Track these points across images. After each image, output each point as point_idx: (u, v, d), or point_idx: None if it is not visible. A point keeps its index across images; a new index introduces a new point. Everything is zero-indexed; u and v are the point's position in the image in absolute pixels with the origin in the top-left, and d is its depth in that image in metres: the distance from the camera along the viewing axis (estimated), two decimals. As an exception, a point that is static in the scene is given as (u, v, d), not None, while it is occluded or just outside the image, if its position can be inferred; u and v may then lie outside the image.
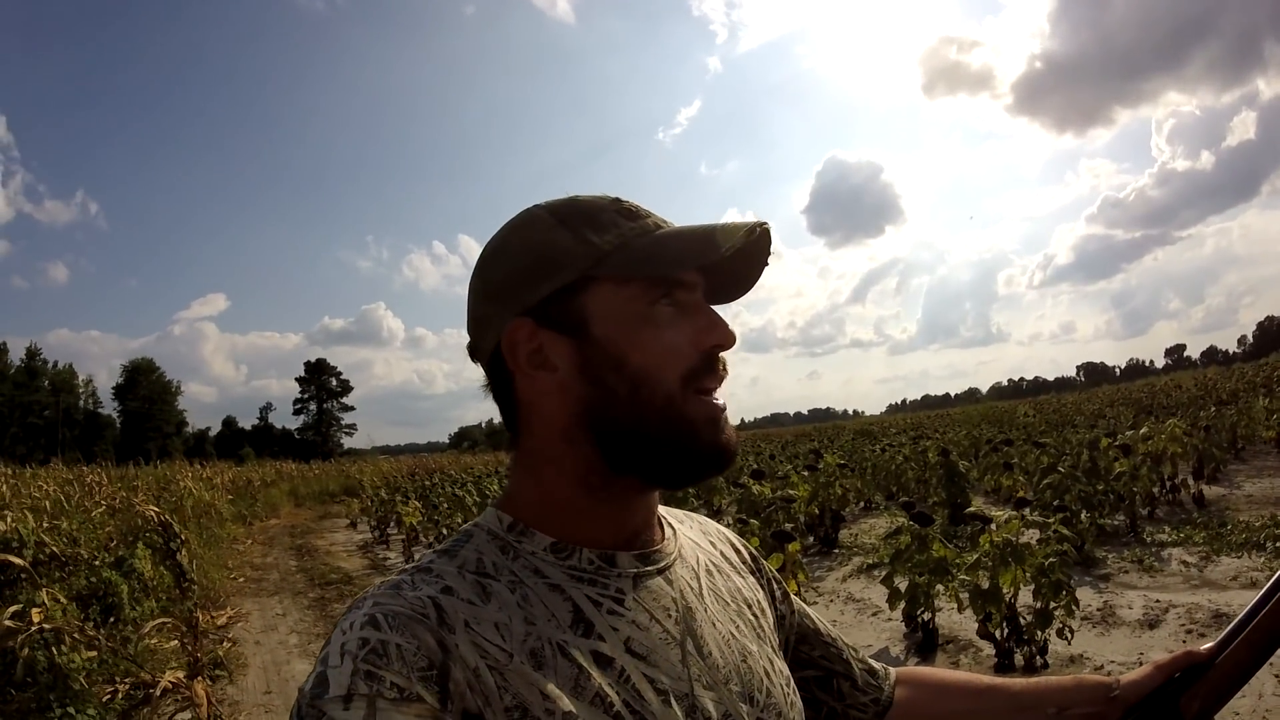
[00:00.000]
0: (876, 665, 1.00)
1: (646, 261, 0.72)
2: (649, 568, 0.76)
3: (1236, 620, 0.88)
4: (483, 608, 0.67)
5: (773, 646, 0.85)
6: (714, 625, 0.78)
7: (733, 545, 0.94)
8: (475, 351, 0.79)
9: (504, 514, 0.76)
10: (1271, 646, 0.86)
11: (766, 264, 0.80)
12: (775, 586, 0.95)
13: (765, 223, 0.74)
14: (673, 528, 0.85)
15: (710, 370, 0.74)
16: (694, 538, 0.88)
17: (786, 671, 0.84)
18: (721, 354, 0.76)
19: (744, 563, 0.93)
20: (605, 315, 0.72)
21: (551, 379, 0.73)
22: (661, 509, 0.84)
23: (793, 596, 0.98)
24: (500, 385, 0.77)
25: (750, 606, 0.86)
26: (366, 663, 0.59)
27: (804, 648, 0.96)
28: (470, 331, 0.79)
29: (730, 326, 0.76)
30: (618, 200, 0.77)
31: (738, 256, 0.75)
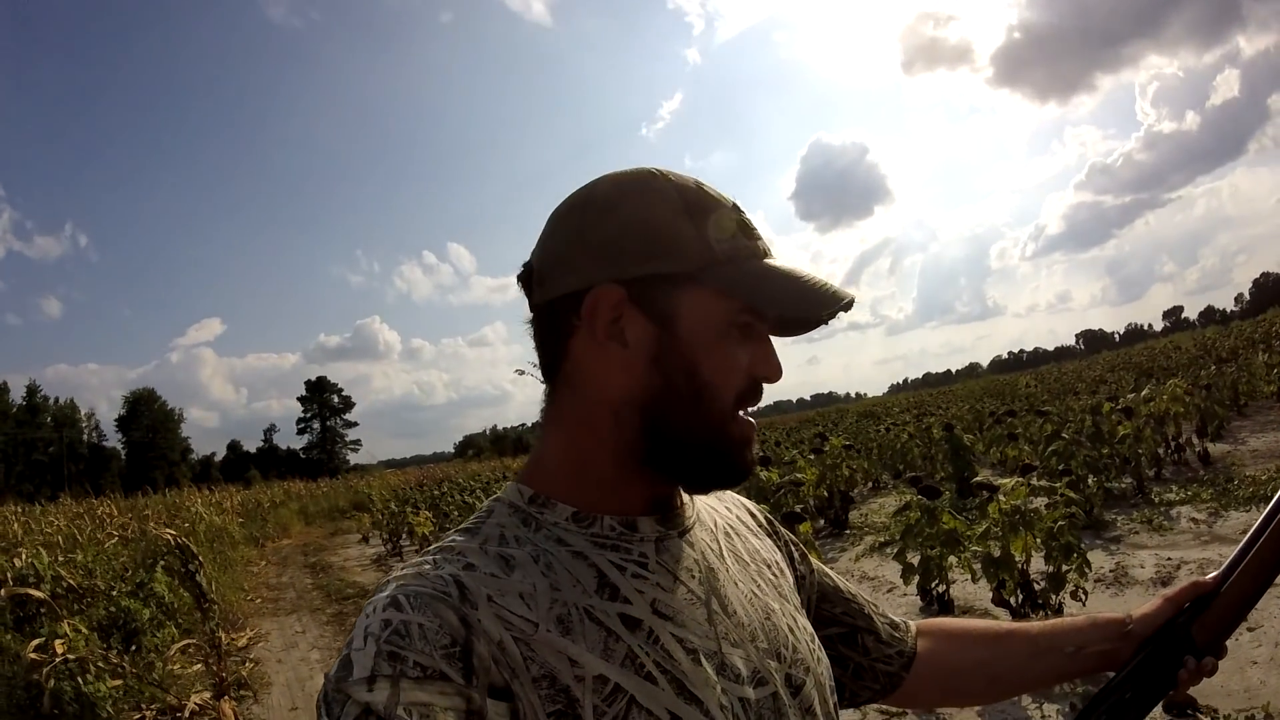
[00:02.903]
0: (898, 619, 1.01)
1: (753, 289, 0.73)
2: (670, 530, 0.77)
3: (1238, 548, 0.91)
4: (506, 580, 0.68)
5: (795, 605, 0.86)
6: (736, 584, 0.79)
7: (748, 510, 0.95)
8: (540, 284, 0.76)
9: (525, 487, 0.76)
10: (1273, 573, 0.89)
11: (829, 320, 0.78)
12: (793, 549, 0.96)
13: (853, 296, 0.75)
14: (690, 495, 0.85)
15: (755, 396, 0.76)
16: (710, 503, 0.89)
17: (811, 629, 0.85)
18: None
19: (760, 526, 0.94)
20: (694, 318, 0.72)
21: (621, 355, 0.73)
22: None
23: (810, 557, 0.99)
24: (553, 330, 0.76)
25: (769, 567, 0.87)
26: (389, 644, 0.60)
27: (825, 605, 0.96)
28: (544, 263, 0.76)
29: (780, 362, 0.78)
30: (737, 208, 0.77)
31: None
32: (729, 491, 0.96)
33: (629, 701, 0.64)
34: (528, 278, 0.78)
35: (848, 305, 0.74)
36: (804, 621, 0.85)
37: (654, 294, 0.72)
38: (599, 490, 0.75)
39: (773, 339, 0.79)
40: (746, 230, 0.76)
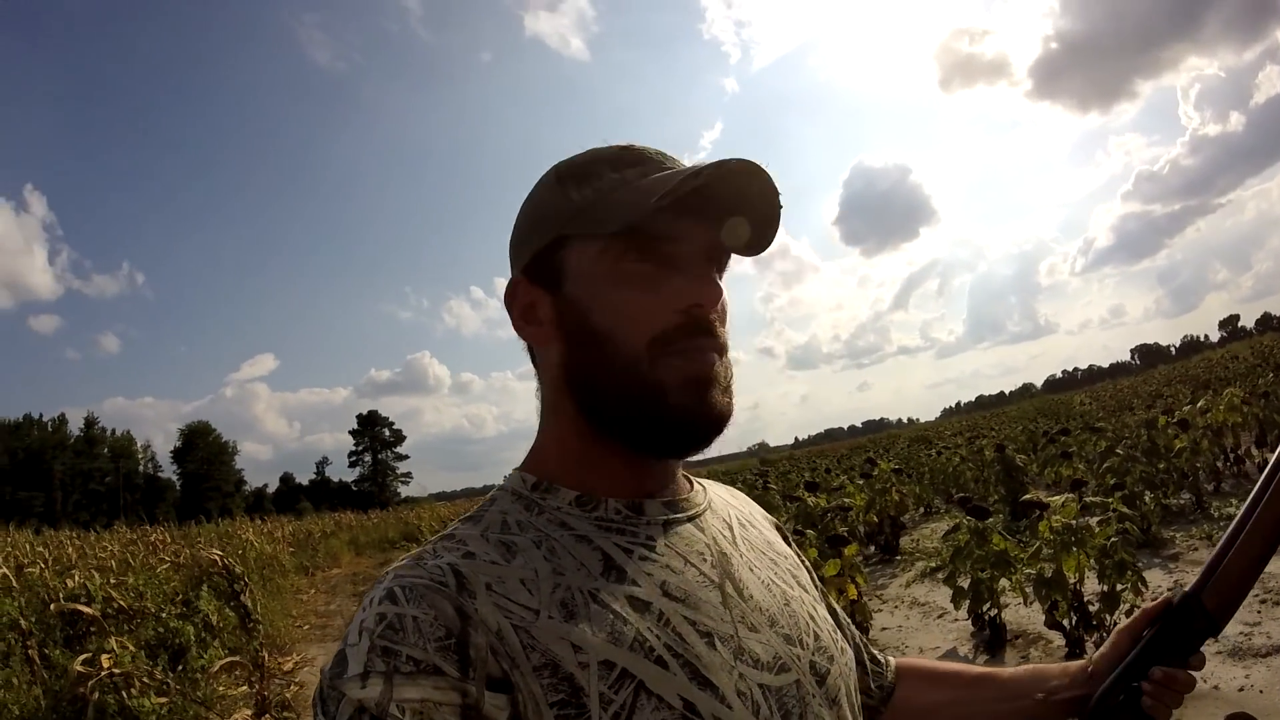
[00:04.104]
0: (879, 653, 0.99)
1: (606, 219, 0.70)
2: (678, 514, 0.75)
3: (1242, 510, 0.89)
4: (506, 566, 0.65)
5: (815, 596, 0.83)
6: (751, 570, 0.76)
7: (759, 511, 0.93)
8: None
9: (527, 474, 0.75)
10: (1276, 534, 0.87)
11: (778, 210, 0.74)
12: (803, 561, 0.92)
13: (745, 159, 0.68)
14: (702, 485, 0.84)
15: (693, 332, 0.70)
16: (724, 496, 0.88)
17: (832, 621, 0.83)
18: (713, 314, 0.72)
19: (774, 528, 0.93)
20: (577, 273, 0.72)
21: (541, 334, 0.75)
22: (689, 474, 0.84)
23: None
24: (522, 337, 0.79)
25: (786, 558, 0.85)
26: (383, 638, 0.58)
27: None
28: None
29: (718, 285, 0.72)
30: (628, 150, 0.75)
31: (742, 203, 0.72)
32: (741, 494, 0.95)
33: (637, 687, 0.61)
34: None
35: (724, 165, 0.67)
36: (824, 612, 0.82)
37: (541, 267, 0.74)
38: (596, 473, 0.74)
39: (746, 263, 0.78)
40: (630, 163, 0.74)
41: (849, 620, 0.97)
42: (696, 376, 0.70)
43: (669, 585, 0.68)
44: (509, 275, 0.79)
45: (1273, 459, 0.88)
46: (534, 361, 0.79)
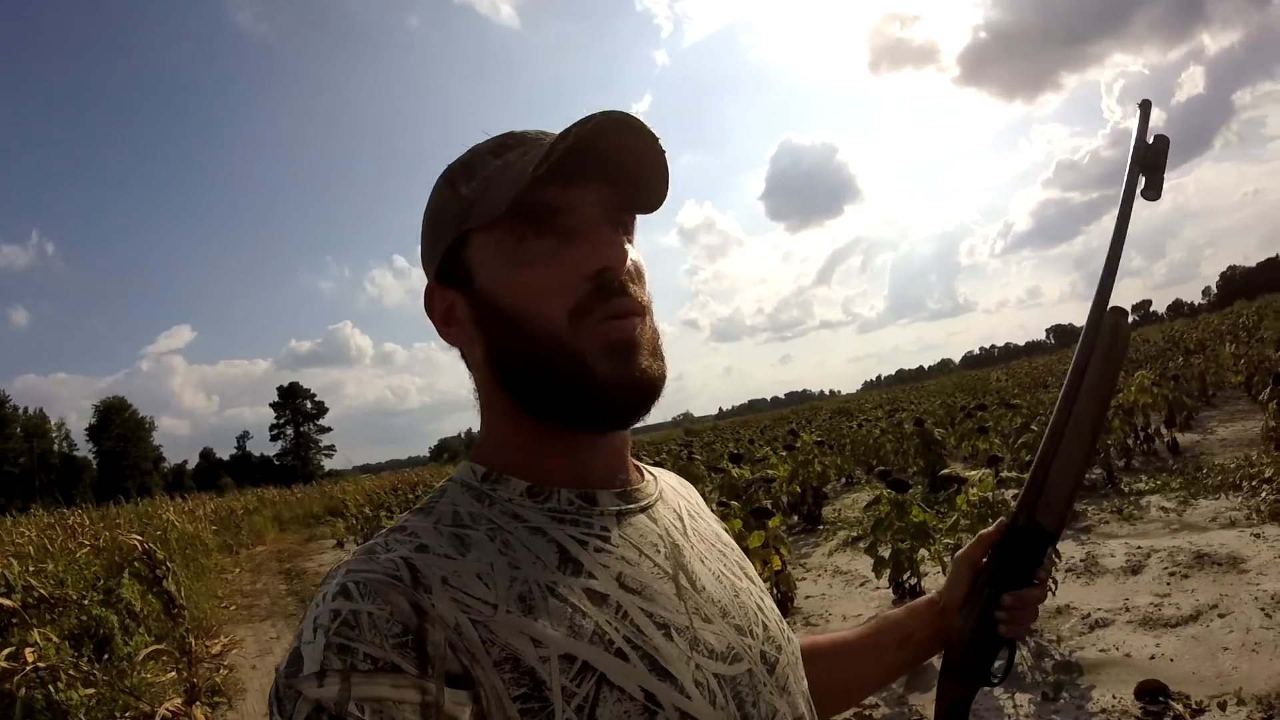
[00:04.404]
0: None
1: (493, 204, 0.69)
2: (631, 505, 0.75)
3: (1050, 423, 0.91)
4: (461, 560, 0.64)
5: (761, 588, 0.84)
6: (703, 562, 0.77)
7: (702, 501, 0.94)
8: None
9: (477, 465, 0.74)
10: (1094, 432, 0.90)
11: (663, 160, 0.72)
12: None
13: (614, 111, 0.67)
14: (652, 474, 0.84)
15: (607, 296, 0.69)
16: (673, 484, 0.88)
17: (778, 611, 0.83)
18: (624, 276, 0.71)
19: (718, 520, 0.94)
20: (482, 265, 0.72)
21: (461, 332, 0.75)
22: (640, 463, 0.84)
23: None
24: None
25: (732, 549, 0.86)
26: (339, 635, 0.57)
27: None
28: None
29: (622, 246, 0.71)
30: (509, 136, 0.75)
31: (626, 158, 0.71)
32: (685, 482, 0.95)
33: (599, 679, 0.61)
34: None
35: (588, 122, 0.66)
36: (770, 603, 0.83)
37: (448, 268, 0.74)
38: (544, 463, 0.73)
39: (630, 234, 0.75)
40: (511, 147, 0.73)
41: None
42: (619, 341, 0.69)
43: (625, 577, 0.68)
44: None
45: (1070, 370, 0.91)
46: (467, 365, 0.79)
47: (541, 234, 0.70)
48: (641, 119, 0.68)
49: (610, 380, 0.69)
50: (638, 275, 0.74)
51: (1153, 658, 4.12)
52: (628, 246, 0.73)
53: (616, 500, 0.74)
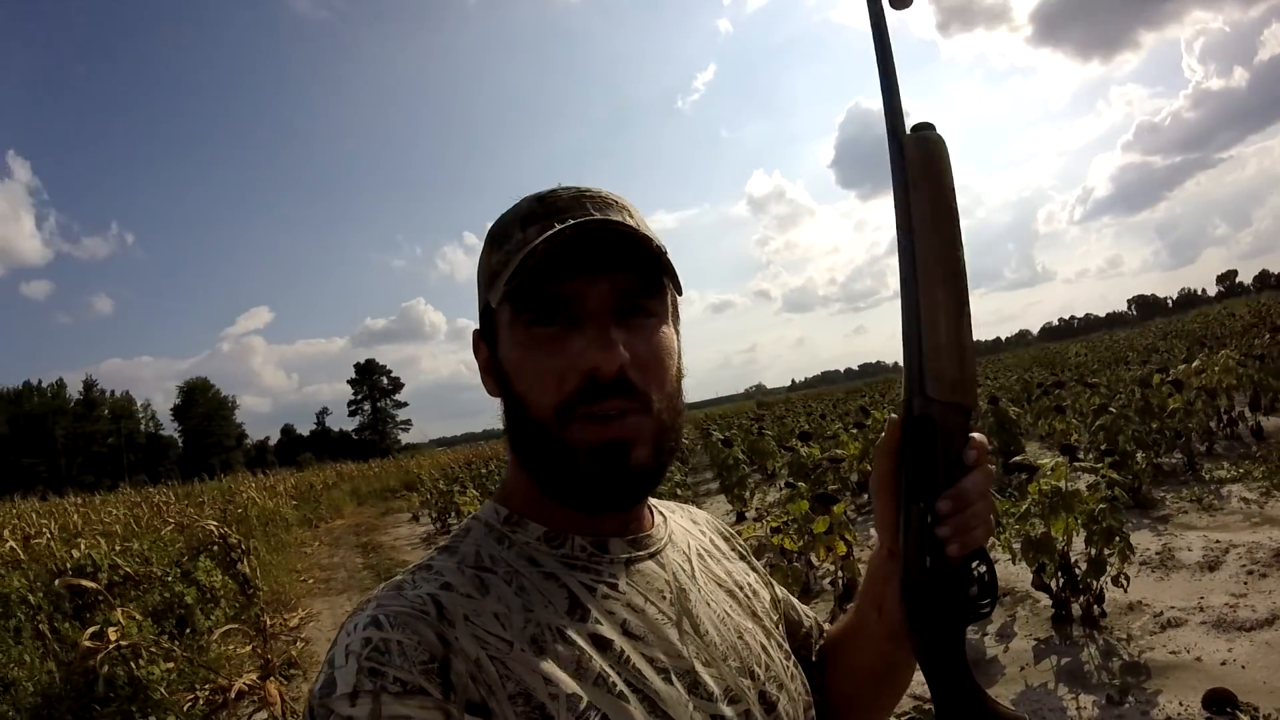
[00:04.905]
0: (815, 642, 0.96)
1: (498, 287, 0.72)
2: (640, 552, 0.79)
3: (902, 280, 0.71)
4: (481, 600, 0.69)
5: (768, 625, 0.86)
6: (708, 605, 0.80)
7: (721, 534, 0.97)
8: None
9: (500, 506, 0.79)
10: (953, 275, 0.71)
11: (657, 250, 0.73)
12: (762, 576, 0.95)
13: (588, 220, 0.70)
14: (663, 515, 0.87)
15: (595, 397, 0.70)
16: (684, 525, 0.91)
17: (786, 648, 0.86)
18: (621, 371, 0.70)
19: (734, 550, 0.95)
20: (500, 335, 0.76)
21: (492, 385, 0.79)
22: (652, 500, 0.86)
23: (777, 586, 0.97)
24: None
25: (742, 589, 0.88)
26: (370, 660, 0.62)
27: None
28: None
29: (616, 346, 0.70)
30: (544, 198, 0.76)
31: (619, 251, 0.72)
32: (703, 514, 0.99)
33: (602, 718, 0.65)
34: None
35: (560, 235, 0.68)
36: (779, 639, 0.86)
37: (485, 325, 0.79)
38: (560, 511, 0.76)
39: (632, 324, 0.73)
40: (539, 217, 0.74)
41: (815, 620, 0.97)
42: (603, 442, 0.71)
43: (629, 624, 0.73)
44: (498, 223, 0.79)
45: (895, 217, 0.72)
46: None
47: (545, 320, 0.72)
48: (617, 220, 0.71)
49: (596, 478, 0.72)
50: (651, 361, 0.74)
51: (1224, 663, 3.94)
52: (640, 335, 0.73)
53: (627, 548, 0.78)
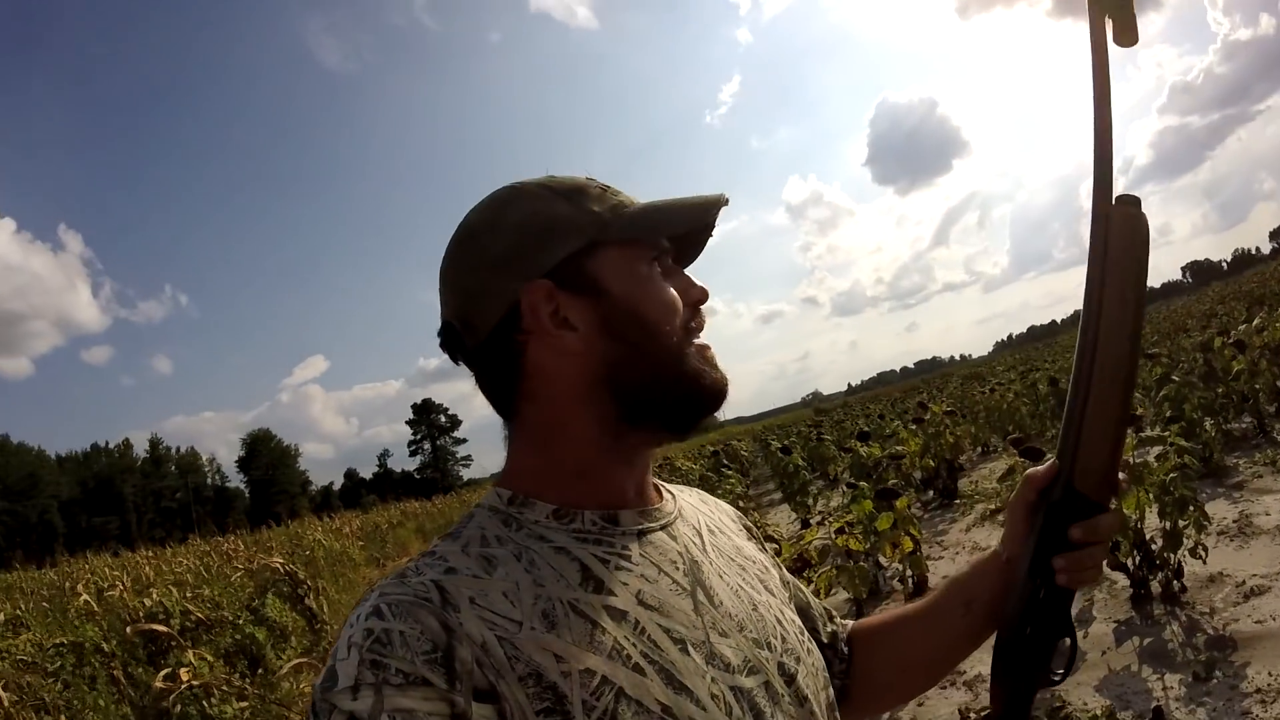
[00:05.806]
0: (839, 629, 0.99)
1: (648, 226, 0.78)
2: (652, 524, 0.78)
3: (1071, 379, 0.78)
4: (488, 579, 0.68)
5: (782, 599, 0.87)
6: (721, 577, 0.80)
7: (730, 515, 0.97)
8: (468, 329, 0.77)
9: (503, 490, 0.77)
10: (1128, 378, 0.76)
11: (712, 231, 0.85)
12: (775, 561, 0.96)
13: (725, 196, 0.80)
14: (672, 493, 0.87)
15: (698, 322, 0.80)
16: (693, 502, 0.91)
17: (800, 623, 0.86)
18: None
19: (743, 529, 0.96)
20: (617, 275, 0.76)
21: (575, 338, 0.75)
22: (659, 482, 0.87)
23: (785, 571, 0.98)
24: (503, 359, 0.77)
25: (754, 562, 0.88)
26: (371, 652, 0.61)
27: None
28: (462, 310, 0.77)
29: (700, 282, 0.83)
30: (592, 179, 0.81)
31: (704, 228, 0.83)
32: (713, 498, 0.99)
33: (617, 693, 0.64)
34: (452, 337, 0.79)
35: (722, 202, 0.80)
36: (791, 614, 0.86)
37: (573, 272, 0.76)
38: (576, 486, 0.76)
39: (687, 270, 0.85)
40: (611, 191, 0.80)
41: (825, 611, 0.99)
42: (711, 357, 0.79)
43: (644, 594, 0.72)
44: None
45: (1085, 292, 0.76)
46: (514, 386, 0.78)
47: (653, 263, 0.79)
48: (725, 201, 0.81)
49: (712, 387, 0.78)
50: None
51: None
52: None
53: (638, 519, 0.77)
